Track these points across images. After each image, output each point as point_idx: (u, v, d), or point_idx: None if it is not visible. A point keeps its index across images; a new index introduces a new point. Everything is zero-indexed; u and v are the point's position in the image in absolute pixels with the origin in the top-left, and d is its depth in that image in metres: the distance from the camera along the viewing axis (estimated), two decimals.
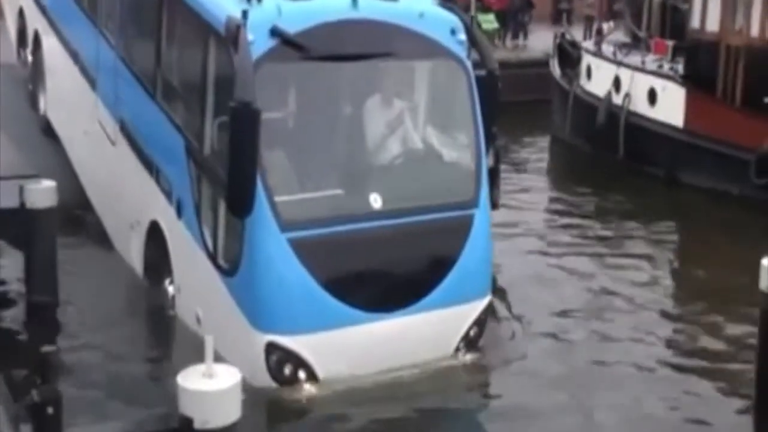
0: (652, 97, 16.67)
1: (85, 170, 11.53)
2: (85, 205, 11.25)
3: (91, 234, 10.88)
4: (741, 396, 8.24)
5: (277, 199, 7.71)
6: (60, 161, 11.84)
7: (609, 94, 17.39)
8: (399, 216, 8.10)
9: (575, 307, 10.20)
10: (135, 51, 10.05)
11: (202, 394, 5.13)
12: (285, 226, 7.70)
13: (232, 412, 5.23)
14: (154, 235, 9.11)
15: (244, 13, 7.52)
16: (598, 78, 18.16)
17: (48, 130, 12.60)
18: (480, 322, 8.59)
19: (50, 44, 12.72)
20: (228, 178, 7.42)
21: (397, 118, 8.54)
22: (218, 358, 5.66)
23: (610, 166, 16.97)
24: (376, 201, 8.04)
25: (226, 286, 7.96)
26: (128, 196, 10.00)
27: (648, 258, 12.36)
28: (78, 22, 11.59)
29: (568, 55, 19.79)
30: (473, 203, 8.48)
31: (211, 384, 5.18)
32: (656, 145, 16.33)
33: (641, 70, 17.20)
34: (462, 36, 8.52)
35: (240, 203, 7.44)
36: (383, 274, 8.11)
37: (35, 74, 13.53)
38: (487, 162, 8.59)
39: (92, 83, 11.03)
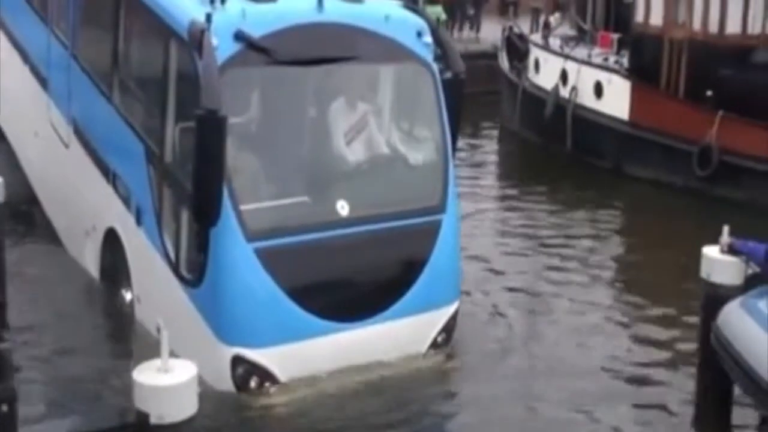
0: (599, 90, 16.66)
1: (36, 172, 11.11)
2: (32, 199, 10.92)
3: (40, 230, 10.57)
4: (687, 377, 8.24)
5: (243, 207, 7.41)
6: (5, 157, 11.51)
7: (556, 87, 17.34)
8: (366, 223, 7.84)
9: (521, 299, 10.08)
10: (89, 51, 9.61)
11: (157, 389, 5.09)
12: (251, 236, 7.41)
13: (188, 406, 5.19)
14: (111, 242, 8.76)
15: (208, 17, 7.21)
16: (545, 71, 18.10)
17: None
18: (448, 328, 8.39)
19: (1, 45, 12.21)
20: (193, 187, 7.13)
21: (364, 123, 8.30)
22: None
23: (558, 157, 16.97)
24: (343, 208, 7.79)
25: (189, 297, 7.65)
26: (82, 201, 9.60)
27: (593, 247, 12.44)
28: (25, 18, 11.13)
29: (517, 48, 19.64)
30: (440, 208, 8.26)
31: (167, 379, 5.13)
32: (603, 137, 16.35)
33: (587, 63, 17.17)
34: (428, 38, 8.30)
35: (206, 213, 7.16)
36: (351, 283, 7.88)
37: None
38: (453, 165, 8.42)
39: (43, 83, 10.59)
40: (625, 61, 16.92)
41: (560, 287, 10.66)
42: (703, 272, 7.67)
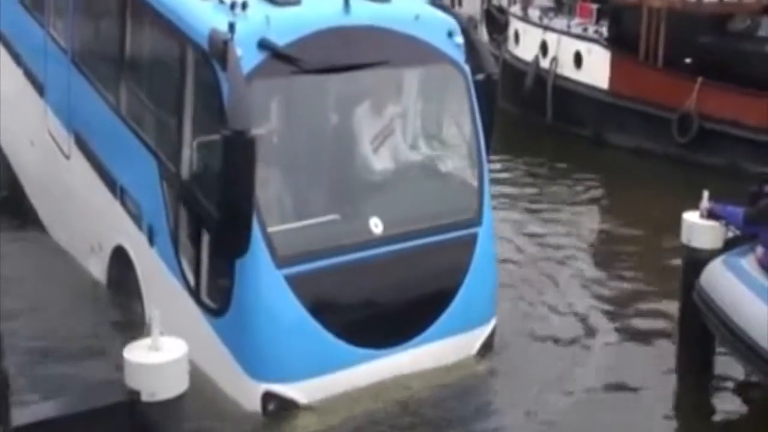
0: (578, 60, 16.32)
1: (32, 182, 10.21)
2: (13, 185, 10.38)
3: (28, 215, 10.05)
4: (668, 342, 8.20)
5: (271, 230, 6.59)
6: None
7: (536, 58, 16.93)
8: (401, 241, 7.08)
9: (505, 268, 9.62)
10: (91, 57, 8.66)
11: (148, 367, 5.08)
12: (281, 262, 6.62)
13: (179, 383, 5.15)
14: (120, 260, 7.93)
15: (231, 27, 6.37)
16: (525, 43, 17.64)
17: None
18: (486, 347, 7.66)
19: None
20: (219, 214, 6.33)
21: (394, 131, 7.52)
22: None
23: (539, 128, 16.59)
24: (376, 226, 7.01)
25: (212, 326, 6.87)
26: (86, 215, 8.71)
27: (576, 214, 12.39)
28: (20, 22, 10.16)
29: (496, 20, 19.00)
30: (477, 221, 7.47)
31: (158, 357, 5.10)
32: (583, 107, 16.04)
33: (567, 33, 16.77)
34: (459, 38, 7.49)
35: (234, 243, 6.39)
36: (387, 307, 7.10)
37: None
38: (487, 173, 7.65)
39: (39, 89, 9.64)
40: (604, 30, 16.53)
41: (544, 254, 10.44)
42: (684, 237, 7.68)
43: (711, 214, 7.56)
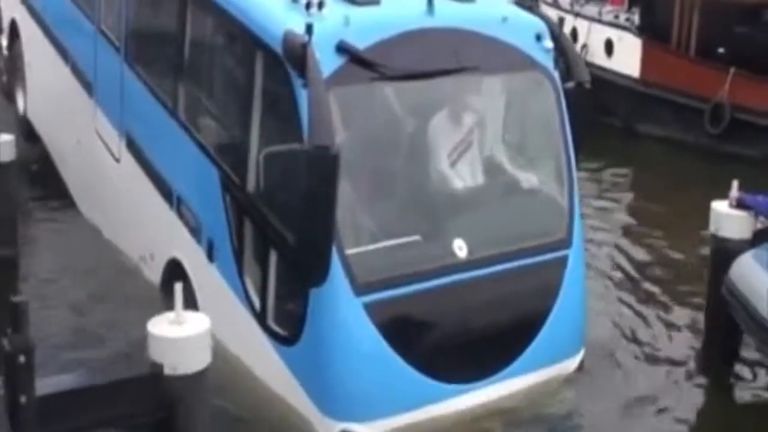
0: (609, 48, 15.87)
1: (77, 184, 9.54)
2: (44, 159, 10.26)
3: (53, 190, 9.93)
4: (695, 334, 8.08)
5: (350, 252, 5.88)
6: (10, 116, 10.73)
7: None
8: (487, 265, 6.35)
9: None
10: (147, 57, 7.96)
11: (171, 341, 5.04)
12: (360, 289, 5.92)
13: (202, 358, 5.11)
14: (174, 272, 7.15)
15: (309, 28, 5.63)
16: None
17: (30, 135, 10.78)
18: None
19: (32, 37, 10.55)
20: (297, 238, 5.64)
21: (482, 146, 6.83)
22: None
23: None
24: (461, 249, 6.30)
25: (280, 355, 6.16)
26: (136, 223, 8.05)
27: (605, 206, 12.02)
28: (68, 16, 9.47)
29: (525, 7, 19.87)
30: (567, 242, 6.75)
31: (181, 330, 5.06)
32: (613, 95, 15.50)
33: (598, 20, 16.27)
34: (548, 43, 6.79)
35: (313, 270, 5.71)
36: (471, 339, 6.36)
37: (11, 69, 11.49)
38: (577, 190, 6.92)
39: (88, 88, 8.92)
40: (636, 18, 15.98)
41: None
42: (712, 227, 7.56)
43: (740, 204, 7.42)
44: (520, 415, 6.50)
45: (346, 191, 6.01)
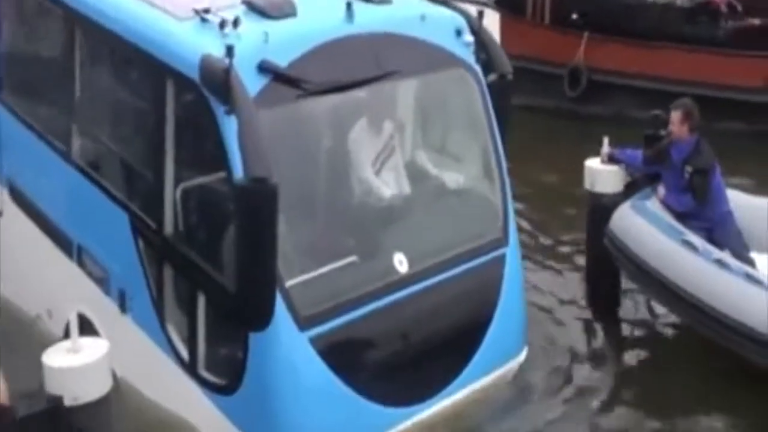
0: None
1: None
2: None
3: None
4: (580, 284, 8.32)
5: (290, 284, 5.37)
6: None
7: None
8: (429, 276, 5.99)
9: None
10: (29, 95, 7.08)
11: (69, 371, 4.81)
12: (304, 323, 5.42)
13: (102, 384, 4.90)
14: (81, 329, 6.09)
15: (230, 50, 5.03)
16: None
17: None
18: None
19: None
20: (237, 281, 5.06)
21: (414, 151, 6.52)
22: None
23: None
24: (401, 263, 5.91)
25: (216, 405, 5.65)
26: (27, 279, 7.22)
27: None
28: None
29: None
30: (503, 241, 6.47)
31: (78, 359, 4.85)
32: None
33: None
34: (469, 37, 6.50)
35: (257, 313, 5.15)
36: (422, 355, 6.00)
37: None
38: (509, 186, 6.62)
39: None
40: None
41: None
42: (587, 183, 7.86)
43: (611, 159, 7.76)
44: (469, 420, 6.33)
45: (282, 222, 5.43)
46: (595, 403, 6.76)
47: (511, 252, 6.51)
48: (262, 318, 5.16)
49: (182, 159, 5.63)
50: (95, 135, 6.49)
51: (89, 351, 4.93)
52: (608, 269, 7.71)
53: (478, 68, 6.56)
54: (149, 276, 5.92)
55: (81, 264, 6.53)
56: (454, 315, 6.19)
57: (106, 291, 6.31)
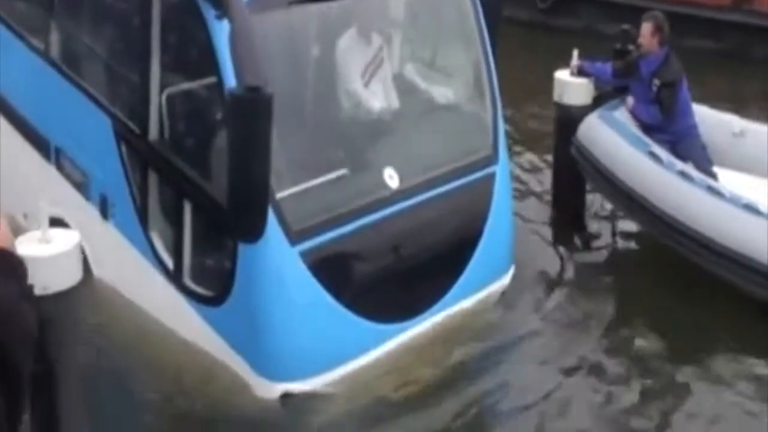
0: None
1: None
2: None
3: None
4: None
5: (281, 195, 5.22)
6: None
7: None
8: (419, 192, 5.88)
9: None
10: None
11: (40, 260, 4.67)
12: (295, 237, 5.29)
13: (72, 274, 4.81)
14: None
15: None
16: None
17: None
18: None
19: None
20: (230, 191, 4.90)
21: (402, 65, 6.33)
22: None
23: None
24: (392, 178, 5.77)
25: (203, 317, 5.52)
26: (4, 181, 6.40)
27: None
28: None
29: None
30: (493, 158, 6.33)
31: (49, 249, 4.74)
32: None
33: None
34: None
35: (250, 224, 5.02)
36: (411, 271, 5.90)
37: None
38: (500, 102, 6.42)
39: None
40: None
41: None
42: (556, 95, 7.79)
43: (581, 72, 7.70)
44: (458, 338, 6.23)
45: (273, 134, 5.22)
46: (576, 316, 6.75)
47: (501, 170, 6.42)
48: (255, 229, 5.03)
49: (169, 63, 5.41)
50: (75, 34, 6.23)
51: (60, 241, 4.83)
52: (574, 179, 7.78)
53: None
54: (132, 182, 5.74)
55: (59, 167, 6.33)
56: (444, 232, 6.12)
57: (87, 196, 6.12)
